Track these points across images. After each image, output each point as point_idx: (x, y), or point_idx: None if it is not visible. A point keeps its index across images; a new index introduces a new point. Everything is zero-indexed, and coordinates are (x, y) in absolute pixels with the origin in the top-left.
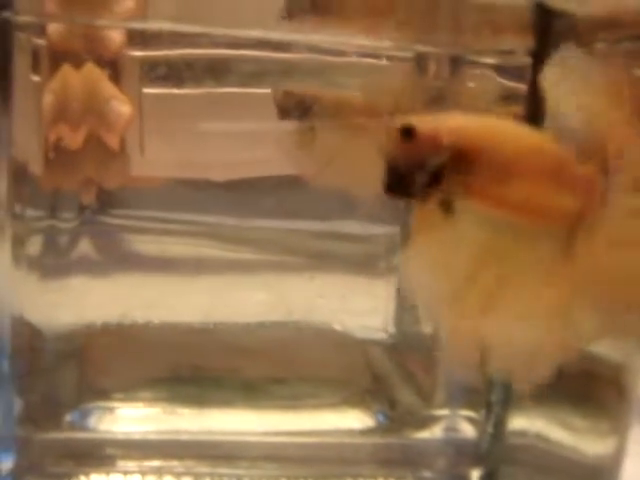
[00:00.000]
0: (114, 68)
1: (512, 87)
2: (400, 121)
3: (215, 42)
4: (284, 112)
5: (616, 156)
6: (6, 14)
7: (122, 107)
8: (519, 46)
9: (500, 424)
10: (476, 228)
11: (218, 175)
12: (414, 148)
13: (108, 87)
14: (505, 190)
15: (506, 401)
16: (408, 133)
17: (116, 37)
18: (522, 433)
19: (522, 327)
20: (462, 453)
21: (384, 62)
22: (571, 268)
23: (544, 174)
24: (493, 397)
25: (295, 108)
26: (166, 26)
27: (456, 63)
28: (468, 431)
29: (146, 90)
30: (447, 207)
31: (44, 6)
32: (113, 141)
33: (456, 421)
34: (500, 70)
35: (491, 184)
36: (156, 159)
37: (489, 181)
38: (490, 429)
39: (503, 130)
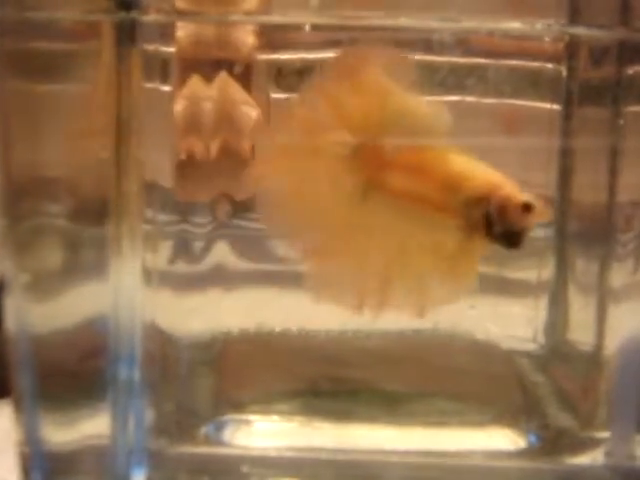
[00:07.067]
0: (244, 73)
1: None
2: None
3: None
4: None
5: None
6: (134, 14)
7: (252, 113)
8: None
9: None
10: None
11: None
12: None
13: (239, 93)
14: None
15: None
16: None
17: (247, 41)
18: None
19: None
20: None
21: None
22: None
23: None
24: None
25: None
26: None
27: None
28: None
29: (274, 95)
30: None
31: (173, 4)
32: (245, 148)
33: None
34: None
35: None
36: None
37: None
38: None
39: None
